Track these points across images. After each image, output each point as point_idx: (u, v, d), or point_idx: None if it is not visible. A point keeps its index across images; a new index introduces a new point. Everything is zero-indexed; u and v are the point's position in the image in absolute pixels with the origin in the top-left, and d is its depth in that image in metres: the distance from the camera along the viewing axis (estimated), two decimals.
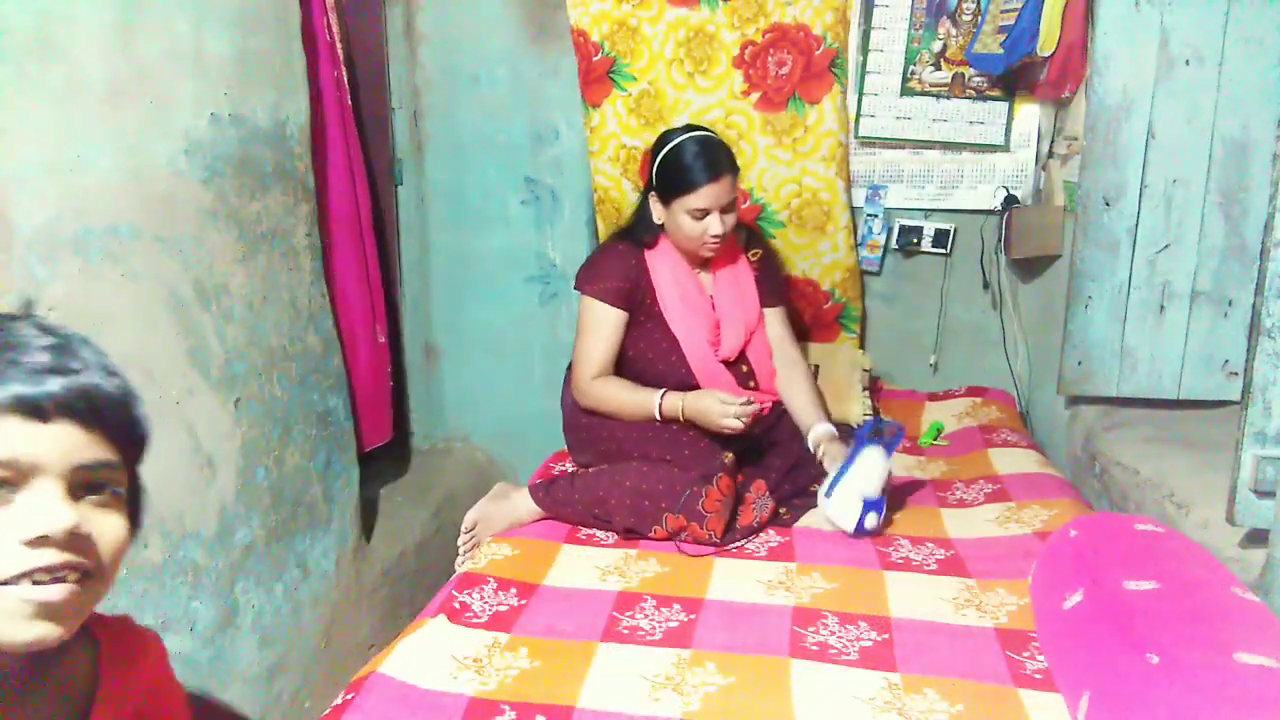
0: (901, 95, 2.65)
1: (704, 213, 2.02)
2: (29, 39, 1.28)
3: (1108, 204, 2.17)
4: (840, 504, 1.92)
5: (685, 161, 2.03)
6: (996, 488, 2.12)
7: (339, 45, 2.20)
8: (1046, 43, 2.28)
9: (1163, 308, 2.18)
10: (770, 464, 2.12)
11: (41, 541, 0.71)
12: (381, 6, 2.68)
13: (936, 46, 2.60)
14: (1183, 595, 1.30)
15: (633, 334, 2.14)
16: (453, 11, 2.75)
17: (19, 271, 1.27)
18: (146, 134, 1.48)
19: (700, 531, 1.91)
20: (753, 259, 2.29)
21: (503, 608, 1.66)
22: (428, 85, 2.80)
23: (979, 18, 2.50)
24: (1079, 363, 2.25)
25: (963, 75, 2.60)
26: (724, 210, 2.04)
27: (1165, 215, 2.14)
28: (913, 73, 2.63)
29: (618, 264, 2.13)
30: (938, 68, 2.61)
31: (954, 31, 2.58)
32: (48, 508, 0.72)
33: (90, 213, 1.38)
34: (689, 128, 2.16)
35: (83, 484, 0.76)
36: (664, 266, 2.14)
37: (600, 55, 2.65)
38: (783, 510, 2.04)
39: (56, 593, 0.72)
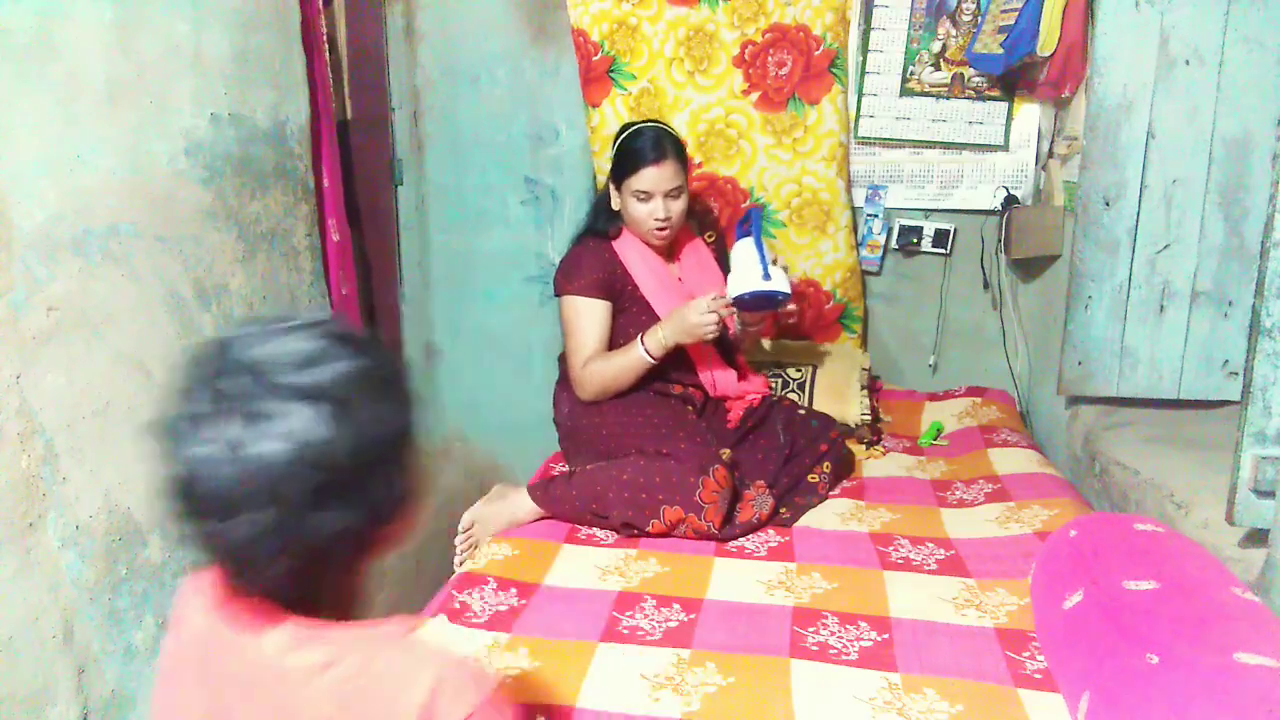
0: (901, 95, 2.65)
1: (648, 195, 2.10)
2: (29, 39, 1.28)
3: (1108, 204, 2.17)
4: (736, 278, 2.06)
5: (635, 146, 2.13)
6: (996, 488, 2.12)
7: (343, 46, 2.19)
8: (1046, 43, 2.28)
9: (1163, 308, 2.18)
10: (767, 458, 2.13)
11: None
12: (381, 6, 2.68)
13: (936, 46, 2.60)
14: (1183, 595, 1.29)
15: (619, 322, 2.18)
16: (453, 11, 2.75)
17: (19, 271, 1.27)
18: (146, 134, 1.48)
19: (699, 523, 1.91)
20: (709, 240, 2.38)
21: (502, 608, 1.66)
22: (428, 85, 2.80)
23: (979, 18, 2.50)
24: (1079, 363, 2.25)
25: (963, 75, 2.60)
26: (668, 196, 2.11)
27: (1165, 215, 2.14)
28: (912, 73, 2.63)
29: (591, 259, 2.18)
30: (937, 68, 2.61)
31: (954, 31, 2.58)
32: None
33: (90, 213, 1.38)
34: (649, 120, 2.26)
35: None
36: (633, 253, 2.21)
37: (600, 54, 2.65)
38: (783, 510, 2.05)
39: None
